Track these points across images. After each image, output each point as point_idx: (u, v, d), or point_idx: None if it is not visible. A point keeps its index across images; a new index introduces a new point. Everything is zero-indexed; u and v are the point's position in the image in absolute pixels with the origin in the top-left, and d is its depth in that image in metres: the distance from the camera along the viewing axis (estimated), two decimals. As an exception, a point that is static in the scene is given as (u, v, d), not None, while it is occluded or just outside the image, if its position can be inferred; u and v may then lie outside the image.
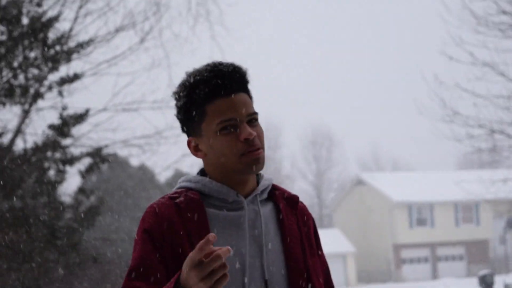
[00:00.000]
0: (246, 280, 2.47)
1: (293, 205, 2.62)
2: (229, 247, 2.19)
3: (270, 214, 2.58)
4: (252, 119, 2.52)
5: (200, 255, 2.16)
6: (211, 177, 2.56)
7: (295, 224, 2.59)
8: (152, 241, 2.46)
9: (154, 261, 2.44)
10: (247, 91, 2.56)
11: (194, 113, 2.53)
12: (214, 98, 2.50)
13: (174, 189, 2.59)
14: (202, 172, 2.61)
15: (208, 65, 2.54)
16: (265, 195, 2.60)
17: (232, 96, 2.50)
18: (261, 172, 2.64)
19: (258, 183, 2.61)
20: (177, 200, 2.51)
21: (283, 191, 2.66)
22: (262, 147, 2.53)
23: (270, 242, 2.53)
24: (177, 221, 2.47)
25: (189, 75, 2.53)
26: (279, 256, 2.52)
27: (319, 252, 2.66)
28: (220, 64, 2.53)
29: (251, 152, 2.48)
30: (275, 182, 2.69)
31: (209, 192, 2.54)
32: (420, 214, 51.03)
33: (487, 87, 18.96)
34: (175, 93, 2.56)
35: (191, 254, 2.19)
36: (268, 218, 2.57)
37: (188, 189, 2.57)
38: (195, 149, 2.58)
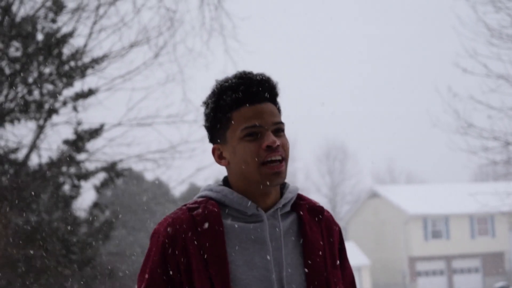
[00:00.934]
0: None
1: (317, 216, 2.60)
2: None
3: (291, 226, 2.55)
4: (278, 128, 2.51)
5: None
6: (234, 187, 2.54)
7: (319, 234, 2.56)
8: (164, 257, 2.45)
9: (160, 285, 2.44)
10: (274, 102, 2.55)
11: (220, 119, 2.52)
12: (240, 105, 2.49)
13: (195, 198, 2.57)
14: (225, 181, 2.59)
15: (237, 72, 2.54)
16: (288, 208, 2.57)
17: (259, 104, 2.50)
18: (287, 181, 2.61)
19: (282, 193, 2.58)
20: (195, 212, 2.48)
21: (308, 202, 2.63)
22: (286, 159, 2.50)
23: (289, 256, 2.50)
24: (190, 236, 2.44)
25: (218, 82, 2.54)
26: (298, 269, 2.50)
27: (344, 263, 2.63)
28: (250, 73, 2.53)
29: (272, 163, 2.46)
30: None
31: (229, 203, 2.51)
32: (435, 226, 50.81)
33: (502, 99, 18.93)
34: (204, 102, 2.57)
35: None
36: (289, 231, 2.54)
37: (208, 198, 2.54)
38: (219, 157, 2.56)
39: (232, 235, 2.48)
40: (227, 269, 2.41)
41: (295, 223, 2.57)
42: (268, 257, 2.47)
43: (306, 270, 2.50)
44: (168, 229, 2.46)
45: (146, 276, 2.47)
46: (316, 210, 2.61)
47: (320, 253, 2.54)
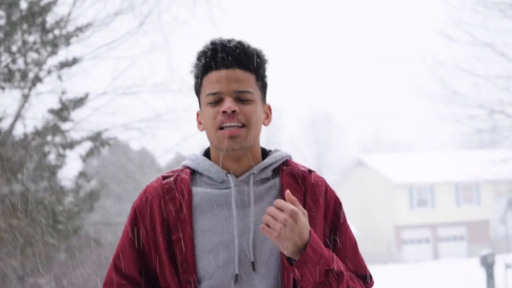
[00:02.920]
0: (236, 259, 2.46)
1: (300, 181, 2.58)
2: None
3: (270, 191, 2.54)
4: (242, 97, 2.50)
5: None
6: (211, 154, 2.58)
7: (300, 200, 2.53)
8: (134, 224, 2.54)
9: (130, 252, 2.52)
10: (249, 70, 2.53)
11: (196, 84, 2.57)
12: (208, 70, 2.51)
13: (179, 167, 2.62)
14: (206, 150, 2.63)
15: (215, 38, 2.55)
16: (267, 173, 2.57)
17: (225, 70, 2.49)
18: (276, 149, 2.63)
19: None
20: (165, 181, 2.55)
21: (292, 167, 2.61)
22: (248, 126, 2.49)
23: (261, 222, 2.47)
24: (158, 203, 2.51)
25: (202, 47, 2.57)
26: None
27: (339, 236, 2.59)
28: (227, 40, 2.53)
29: (228, 128, 2.46)
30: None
31: (201, 170, 2.55)
32: (420, 195, 51.06)
33: (487, 67, 18.96)
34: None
35: None
36: (264, 196, 2.53)
37: (186, 167, 2.59)
38: (200, 122, 2.60)
39: (201, 202, 2.50)
40: (190, 234, 2.45)
41: (276, 188, 2.56)
42: (234, 222, 2.47)
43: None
44: (141, 197, 2.56)
45: (121, 240, 2.57)
46: (297, 175, 2.59)
47: None
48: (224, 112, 2.46)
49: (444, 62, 18.38)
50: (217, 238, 2.46)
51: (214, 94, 2.49)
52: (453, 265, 39.27)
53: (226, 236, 2.47)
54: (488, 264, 18.77)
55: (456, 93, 18.22)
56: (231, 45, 2.51)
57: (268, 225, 2.35)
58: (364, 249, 50.54)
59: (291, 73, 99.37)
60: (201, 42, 2.63)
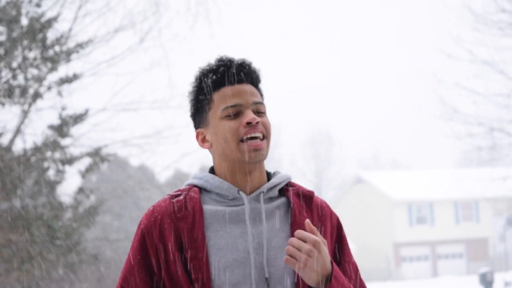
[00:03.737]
0: (253, 276, 2.46)
1: (306, 201, 2.59)
2: None
3: (278, 211, 2.56)
4: (259, 108, 2.54)
5: None
6: (217, 170, 2.58)
7: (311, 221, 2.54)
8: (143, 244, 2.51)
9: (139, 273, 2.50)
10: (256, 86, 2.58)
11: (202, 102, 2.56)
12: (220, 86, 2.53)
13: (183, 186, 2.61)
14: (211, 169, 2.63)
15: (219, 56, 2.58)
16: (275, 193, 2.58)
17: (238, 84, 2.53)
18: (277, 171, 2.65)
19: (269, 180, 2.60)
20: (175, 200, 2.53)
21: (298, 188, 2.63)
22: (267, 137, 2.53)
23: (274, 239, 2.50)
24: (169, 222, 2.50)
25: (200, 68, 2.58)
26: (283, 252, 2.49)
27: (343, 257, 2.61)
28: (232, 57, 2.57)
29: (251, 139, 2.48)
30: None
31: (211, 188, 2.55)
32: (419, 212, 51.02)
33: (486, 85, 18.98)
34: (189, 91, 2.61)
35: None
36: (274, 215, 2.54)
37: (193, 186, 2.58)
38: (202, 141, 2.60)
39: (213, 219, 2.50)
40: (204, 252, 2.45)
41: (283, 207, 2.58)
42: (248, 240, 2.48)
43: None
44: (149, 217, 2.53)
45: (128, 262, 2.54)
46: (304, 195, 2.61)
47: None
48: (249, 123, 2.48)
49: (443, 80, 18.42)
50: (232, 255, 2.46)
51: (233, 106, 2.50)
52: (452, 283, 39.17)
53: (240, 253, 2.47)
54: (487, 282, 18.76)
55: (455, 111, 18.24)
56: (240, 62, 2.55)
57: (291, 256, 2.38)
58: (363, 266, 50.47)
59: (290, 89, 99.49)
60: (201, 58, 2.65)
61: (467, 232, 51.26)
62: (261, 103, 2.55)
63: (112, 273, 15.38)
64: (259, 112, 2.54)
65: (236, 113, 2.51)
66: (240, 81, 2.53)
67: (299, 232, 2.38)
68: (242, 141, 2.49)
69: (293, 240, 2.38)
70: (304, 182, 69.84)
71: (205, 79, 2.54)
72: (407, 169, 65.69)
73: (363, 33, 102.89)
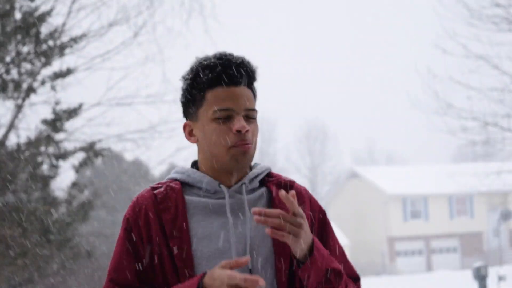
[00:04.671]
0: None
1: (287, 191, 2.57)
2: (247, 258, 2.30)
3: (260, 200, 2.58)
4: (250, 115, 2.52)
5: (241, 282, 2.25)
6: (201, 164, 2.59)
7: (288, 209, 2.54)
8: (130, 233, 2.54)
9: (128, 262, 2.52)
10: (251, 88, 2.56)
11: (194, 96, 2.54)
12: (215, 85, 2.51)
13: (164, 180, 2.63)
14: (194, 163, 2.64)
15: (218, 53, 2.55)
16: (255, 184, 2.60)
17: (234, 87, 2.50)
18: (257, 162, 2.66)
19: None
20: (156, 191, 2.55)
21: (277, 178, 2.65)
22: (253, 144, 2.52)
23: (256, 229, 2.52)
24: (152, 212, 2.52)
25: (198, 59, 2.55)
26: (265, 241, 2.52)
27: (328, 242, 2.63)
28: (230, 54, 2.54)
29: (240, 145, 2.48)
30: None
31: (192, 182, 2.57)
32: (414, 207, 51.09)
33: (481, 80, 18.98)
34: (182, 76, 2.59)
35: (232, 273, 2.27)
36: (256, 204, 2.56)
37: (174, 179, 2.60)
38: (189, 134, 2.60)
39: (195, 210, 2.53)
40: (188, 242, 2.48)
41: (264, 197, 2.60)
42: (230, 230, 2.50)
43: (273, 242, 2.52)
44: (133, 208, 2.56)
45: (116, 253, 2.57)
46: (285, 185, 2.63)
47: None
48: (238, 131, 2.47)
49: (438, 74, 18.41)
50: (214, 245, 2.48)
51: (225, 110, 2.49)
52: (446, 277, 39.24)
53: (223, 243, 2.49)
54: (481, 277, 18.78)
55: (450, 106, 18.25)
56: (238, 61, 2.51)
57: (276, 229, 2.36)
58: (357, 260, 50.55)
59: (285, 84, 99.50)
60: (195, 53, 2.62)
61: (462, 226, 51.36)
62: (254, 110, 2.53)
63: (106, 268, 15.37)
64: (250, 118, 2.52)
65: (226, 117, 2.50)
66: (236, 83, 2.50)
67: (291, 205, 2.36)
68: (231, 147, 2.49)
69: (285, 215, 2.36)
70: (299, 177, 69.92)
71: (201, 75, 2.52)
72: (401, 164, 65.78)
73: (358, 27, 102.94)
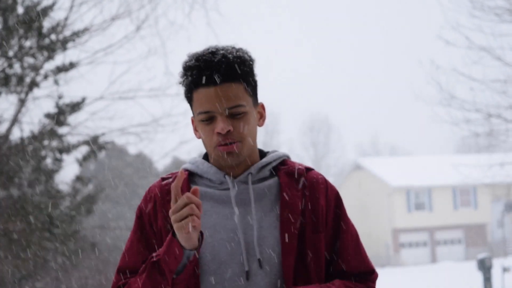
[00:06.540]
0: (244, 255, 2.49)
1: (298, 178, 2.60)
2: (197, 187, 2.35)
3: (269, 190, 2.58)
4: (235, 111, 2.51)
5: (173, 201, 2.33)
6: (210, 157, 2.62)
7: (299, 198, 2.56)
8: (141, 222, 2.59)
9: (138, 248, 2.57)
10: (237, 81, 2.52)
11: (186, 96, 2.58)
12: (197, 87, 2.51)
13: (176, 171, 2.68)
14: (206, 153, 2.68)
15: (202, 50, 2.54)
16: (265, 173, 2.60)
17: (213, 87, 2.49)
18: (274, 150, 2.68)
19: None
20: (164, 182, 2.61)
21: (289, 166, 2.64)
22: (241, 139, 2.52)
23: (264, 219, 2.53)
24: (159, 202, 2.57)
25: (186, 59, 2.55)
26: (273, 232, 2.52)
27: (341, 227, 2.62)
28: (212, 52, 2.51)
29: (222, 146, 2.50)
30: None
31: (201, 173, 2.60)
32: (418, 198, 51.08)
33: (484, 71, 19.02)
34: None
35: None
36: (265, 195, 2.57)
37: (186, 170, 2.63)
38: (195, 129, 2.64)
39: (202, 200, 2.55)
40: None
41: (275, 186, 2.59)
42: (236, 220, 2.51)
43: (280, 233, 2.51)
44: (145, 198, 2.62)
45: (129, 240, 2.62)
46: (295, 173, 2.61)
47: (298, 216, 2.53)
48: (219, 133, 2.49)
49: (441, 66, 18.38)
50: (219, 235, 2.50)
51: (205, 113, 2.51)
52: (451, 269, 39.29)
53: (228, 233, 2.51)
54: (485, 268, 18.78)
55: (453, 97, 18.21)
56: (215, 60, 2.49)
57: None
58: (361, 252, 50.55)
59: (288, 76, 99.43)
60: (198, 46, 2.63)
61: (466, 218, 51.35)
62: (237, 106, 2.50)
63: (110, 260, 15.40)
64: (236, 115, 2.51)
65: (209, 119, 2.51)
66: (215, 83, 2.48)
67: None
68: (215, 147, 2.52)
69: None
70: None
71: (185, 77, 2.53)
72: (405, 155, 65.72)
73: (361, 20, 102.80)
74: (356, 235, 2.66)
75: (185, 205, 2.32)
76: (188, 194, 2.32)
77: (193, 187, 2.38)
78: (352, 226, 2.66)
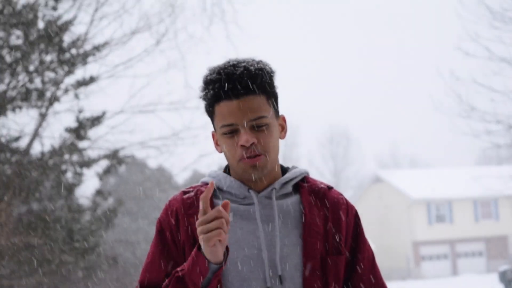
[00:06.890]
0: (267, 272, 2.47)
1: (321, 198, 2.59)
2: (228, 201, 2.32)
3: (293, 207, 2.56)
4: (258, 124, 2.49)
5: (202, 212, 2.29)
6: (232, 171, 2.59)
7: (321, 218, 2.55)
8: (162, 235, 2.56)
9: (160, 262, 2.53)
10: (259, 93, 2.50)
11: (208, 110, 2.56)
12: (218, 100, 2.49)
13: (196, 184, 2.65)
14: (227, 167, 2.64)
15: (223, 63, 2.52)
16: (288, 189, 2.58)
17: (236, 100, 2.47)
18: (294, 166, 2.65)
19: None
20: (185, 196, 2.58)
21: (312, 184, 2.63)
22: (265, 153, 2.49)
23: (287, 236, 2.51)
24: (181, 215, 2.54)
25: (206, 73, 2.53)
26: (295, 250, 2.51)
27: (360, 247, 2.61)
28: (233, 65, 2.50)
29: (247, 159, 2.47)
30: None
31: (223, 187, 2.57)
32: (438, 210, 50.82)
33: (504, 82, 18.91)
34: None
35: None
36: (288, 211, 2.55)
37: (205, 183, 2.62)
38: (216, 143, 2.61)
39: None
40: None
41: (297, 204, 2.57)
42: (260, 237, 2.49)
43: (303, 252, 2.50)
44: (166, 211, 2.59)
45: (149, 254, 2.58)
46: (317, 192, 2.60)
47: (321, 236, 2.52)
48: (243, 145, 2.47)
49: (461, 77, 18.32)
50: (243, 251, 2.48)
51: (228, 125, 2.49)
52: (472, 281, 39.02)
53: (252, 250, 2.48)
54: (507, 280, 18.66)
55: (473, 108, 18.14)
56: (237, 72, 2.47)
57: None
58: (382, 265, 50.38)
59: (308, 89, 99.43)
60: (217, 59, 2.60)
61: (487, 230, 51.02)
62: (260, 117, 2.48)
63: (130, 274, 15.41)
64: (259, 127, 2.49)
65: (232, 132, 2.49)
66: (238, 96, 2.47)
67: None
68: (239, 160, 2.49)
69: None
70: (323, 181, 69.60)
71: (207, 90, 2.52)
72: (425, 167, 65.47)
73: (379, 32, 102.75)
74: (373, 255, 2.66)
75: (215, 218, 2.29)
76: (219, 208, 2.29)
77: (224, 200, 2.36)
78: (369, 246, 2.66)
